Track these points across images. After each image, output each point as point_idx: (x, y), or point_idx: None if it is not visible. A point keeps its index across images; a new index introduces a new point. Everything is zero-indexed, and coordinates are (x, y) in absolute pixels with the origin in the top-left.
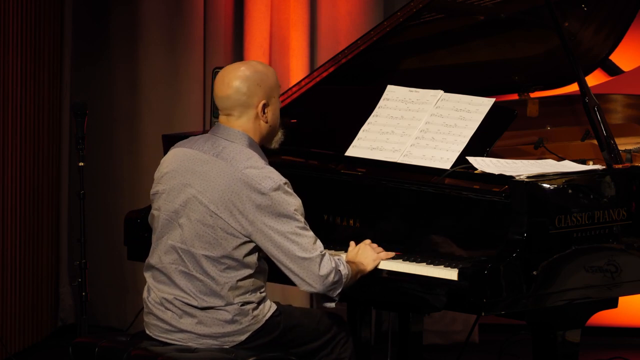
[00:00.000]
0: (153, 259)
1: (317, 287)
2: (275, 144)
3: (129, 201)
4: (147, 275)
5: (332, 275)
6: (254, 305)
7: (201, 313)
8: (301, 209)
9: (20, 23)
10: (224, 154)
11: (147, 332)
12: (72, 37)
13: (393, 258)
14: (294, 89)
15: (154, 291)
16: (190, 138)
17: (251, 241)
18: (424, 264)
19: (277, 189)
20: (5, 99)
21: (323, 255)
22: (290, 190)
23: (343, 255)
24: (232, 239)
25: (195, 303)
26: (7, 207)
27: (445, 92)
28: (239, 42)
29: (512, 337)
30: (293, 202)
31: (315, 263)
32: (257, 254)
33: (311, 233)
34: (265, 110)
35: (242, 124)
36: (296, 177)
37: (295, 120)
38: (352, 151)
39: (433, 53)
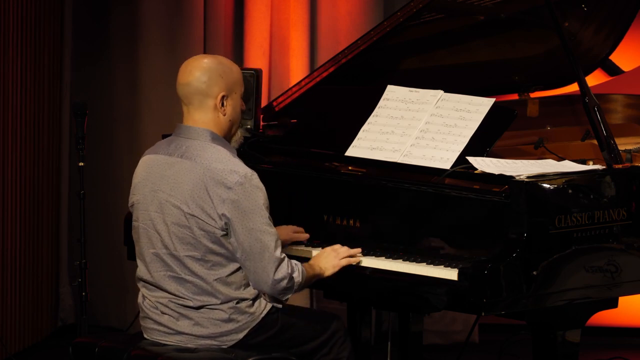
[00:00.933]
0: (141, 272)
1: (268, 290)
2: (234, 143)
3: (129, 201)
4: (140, 285)
5: (284, 282)
6: (249, 302)
7: (197, 314)
8: (267, 201)
9: (20, 23)
10: (188, 153)
11: (145, 336)
12: (72, 37)
13: (393, 258)
14: (294, 89)
15: (148, 298)
16: (156, 144)
17: (228, 234)
18: (424, 264)
19: (243, 183)
20: (5, 99)
21: (281, 260)
22: (256, 182)
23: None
24: (209, 235)
25: (190, 304)
26: (7, 207)
27: (445, 92)
28: (239, 42)
29: (512, 337)
30: (259, 196)
31: (272, 265)
32: None
33: (274, 231)
34: (224, 103)
35: (201, 117)
36: (296, 177)
37: (295, 120)
38: (352, 151)
39: (433, 53)
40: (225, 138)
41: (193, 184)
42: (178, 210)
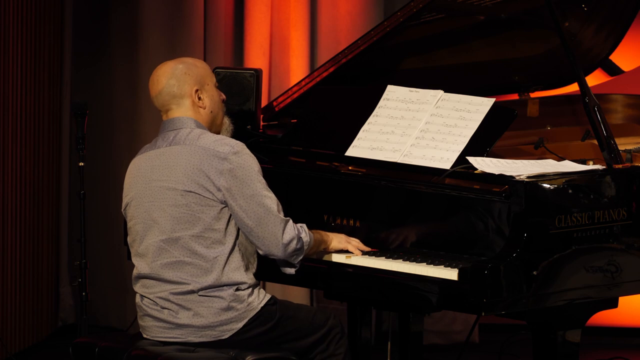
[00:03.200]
0: (140, 268)
1: (278, 253)
2: (225, 132)
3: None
4: (137, 287)
5: (294, 242)
6: (248, 290)
7: (197, 304)
8: (260, 169)
9: (20, 23)
10: (176, 140)
11: (145, 335)
12: (72, 37)
13: (393, 258)
14: (294, 89)
15: (147, 296)
16: (142, 148)
17: (227, 206)
18: (424, 263)
19: (237, 152)
20: (5, 99)
21: (287, 221)
22: (248, 151)
23: (342, 256)
24: (208, 209)
25: (190, 287)
26: (7, 207)
27: (445, 92)
28: (239, 42)
29: (512, 337)
30: (254, 163)
31: (278, 228)
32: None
33: (273, 195)
34: (201, 96)
35: (182, 114)
36: (296, 177)
37: (295, 120)
38: (352, 151)
39: (433, 53)
40: (212, 131)
41: (185, 163)
42: (173, 192)
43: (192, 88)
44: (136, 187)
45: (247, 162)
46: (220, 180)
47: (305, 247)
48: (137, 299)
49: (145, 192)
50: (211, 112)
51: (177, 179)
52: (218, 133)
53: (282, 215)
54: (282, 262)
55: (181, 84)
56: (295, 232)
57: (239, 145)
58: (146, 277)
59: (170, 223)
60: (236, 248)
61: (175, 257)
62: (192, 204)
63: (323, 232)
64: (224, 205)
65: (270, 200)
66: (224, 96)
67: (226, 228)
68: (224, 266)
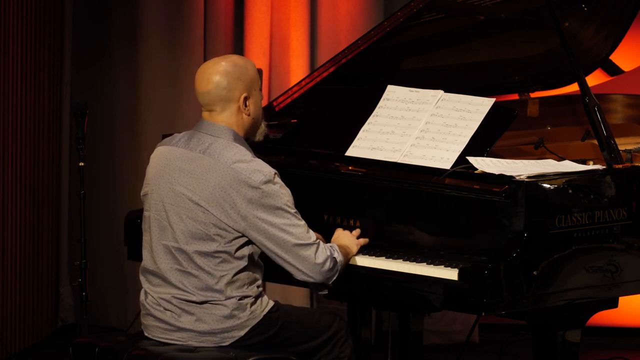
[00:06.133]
0: (147, 262)
1: (316, 276)
2: (259, 136)
3: (129, 201)
4: (143, 279)
5: (328, 263)
6: (251, 299)
7: (199, 310)
8: (292, 198)
9: (20, 23)
10: (211, 150)
11: (146, 334)
12: (72, 37)
13: (394, 258)
14: (294, 89)
15: (151, 294)
16: (174, 135)
17: (244, 236)
18: (424, 263)
19: (268, 181)
20: (5, 99)
21: (318, 244)
22: (280, 181)
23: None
24: (224, 234)
25: (193, 298)
26: (7, 207)
27: (445, 92)
28: (239, 42)
29: (512, 337)
30: (284, 193)
31: (311, 252)
32: (250, 246)
33: (303, 222)
34: (247, 103)
35: (225, 119)
36: (296, 177)
37: (295, 120)
38: (352, 151)
39: (433, 53)
40: (249, 135)
41: (215, 182)
42: (196, 206)
43: (242, 94)
44: (159, 183)
45: (277, 191)
46: (247, 209)
47: (338, 266)
48: (142, 296)
49: (167, 193)
50: (253, 118)
51: (202, 195)
52: (254, 139)
53: (311, 239)
54: (315, 286)
55: (231, 89)
56: (328, 253)
57: (272, 174)
58: (152, 274)
59: (185, 235)
60: (244, 268)
61: (183, 267)
62: (210, 225)
63: (343, 244)
64: (239, 234)
65: (300, 229)
66: (263, 98)
67: (236, 252)
68: (230, 284)
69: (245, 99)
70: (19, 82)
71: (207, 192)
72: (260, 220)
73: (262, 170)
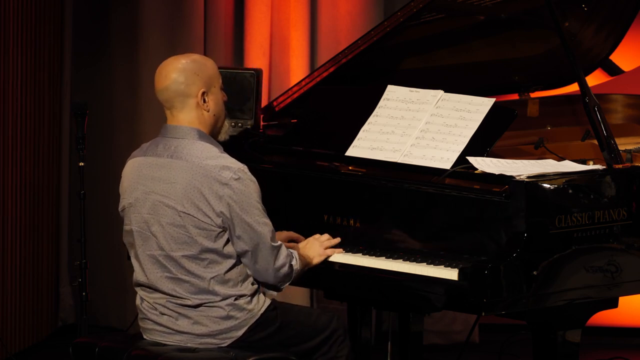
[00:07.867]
0: (138, 275)
1: (269, 278)
2: (224, 135)
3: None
4: (137, 289)
5: (285, 268)
6: (247, 299)
7: (196, 313)
8: (260, 192)
9: (20, 23)
10: (178, 153)
11: (145, 336)
12: (72, 37)
13: (394, 258)
14: (294, 89)
15: (146, 300)
16: (142, 146)
17: (225, 230)
18: (424, 263)
19: (237, 178)
20: (5, 99)
21: (280, 247)
22: (249, 176)
23: (342, 256)
24: (205, 232)
25: (188, 302)
26: (7, 207)
27: (445, 92)
28: (239, 42)
29: (512, 337)
30: (254, 189)
31: (272, 254)
32: None
33: (269, 221)
34: (206, 99)
35: (185, 116)
36: (296, 177)
37: (295, 120)
38: (352, 151)
39: (433, 53)
40: (212, 133)
41: (186, 183)
42: (172, 210)
43: (199, 90)
44: (135, 194)
45: (247, 188)
46: (219, 206)
47: (294, 274)
48: (137, 300)
49: (144, 203)
50: (214, 115)
51: (176, 198)
52: (219, 139)
53: (275, 241)
54: (268, 286)
55: (189, 84)
56: (287, 259)
57: (241, 170)
58: (144, 285)
59: (168, 242)
60: (233, 265)
61: (173, 273)
62: (190, 226)
63: (306, 254)
64: (221, 230)
65: (266, 227)
66: (226, 97)
67: (223, 248)
68: (222, 284)
69: (204, 94)
70: (19, 82)
71: (180, 193)
72: (231, 217)
73: (230, 166)
